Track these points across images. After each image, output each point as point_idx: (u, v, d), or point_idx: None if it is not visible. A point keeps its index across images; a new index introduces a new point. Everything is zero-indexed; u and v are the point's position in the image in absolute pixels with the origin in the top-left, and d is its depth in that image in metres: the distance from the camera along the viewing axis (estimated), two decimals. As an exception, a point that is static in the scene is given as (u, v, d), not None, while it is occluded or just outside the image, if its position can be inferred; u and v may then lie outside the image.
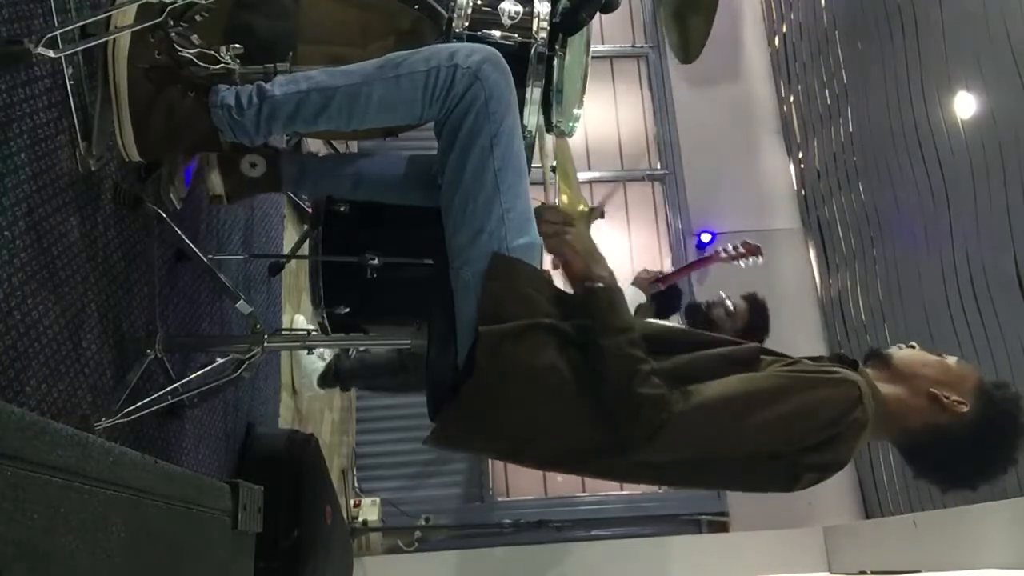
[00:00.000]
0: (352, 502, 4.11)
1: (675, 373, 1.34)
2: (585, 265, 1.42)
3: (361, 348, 3.32)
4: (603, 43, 5.42)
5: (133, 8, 1.43)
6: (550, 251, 1.48)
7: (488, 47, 1.49)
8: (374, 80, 1.47)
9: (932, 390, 1.44)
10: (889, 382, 1.46)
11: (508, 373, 1.34)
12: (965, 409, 1.43)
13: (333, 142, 3.09)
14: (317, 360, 3.42)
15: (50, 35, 1.29)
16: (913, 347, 1.53)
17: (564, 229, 1.46)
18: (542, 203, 2.07)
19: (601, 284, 1.39)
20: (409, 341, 1.95)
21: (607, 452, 1.36)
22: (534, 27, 1.76)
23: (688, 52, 4.37)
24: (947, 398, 1.43)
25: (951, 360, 1.50)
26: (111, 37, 1.42)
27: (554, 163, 3.13)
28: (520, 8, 1.77)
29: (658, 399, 1.27)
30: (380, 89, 1.47)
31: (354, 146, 3.75)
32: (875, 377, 1.47)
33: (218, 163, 1.84)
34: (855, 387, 1.35)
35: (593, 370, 1.34)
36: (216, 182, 1.84)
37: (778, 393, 1.33)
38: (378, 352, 3.38)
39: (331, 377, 3.41)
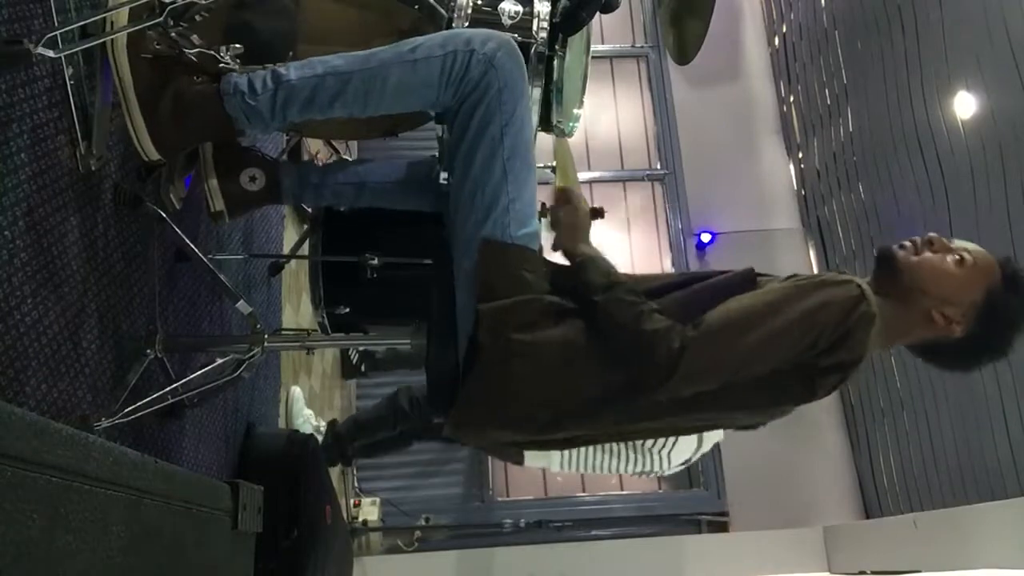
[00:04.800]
0: (352, 502, 4.11)
1: (677, 308, 1.36)
2: (574, 241, 1.50)
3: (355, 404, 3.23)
4: (603, 43, 5.41)
5: (130, 8, 1.43)
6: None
7: (504, 34, 1.48)
8: (390, 64, 1.47)
9: (932, 312, 1.44)
10: (892, 296, 1.45)
11: (512, 347, 1.36)
12: (959, 331, 1.45)
13: (333, 142, 3.09)
14: (306, 417, 3.29)
15: (50, 35, 1.28)
16: (931, 242, 1.48)
17: (556, 208, 1.56)
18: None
19: (586, 255, 1.46)
20: (409, 341, 1.95)
21: (628, 392, 1.36)
22: (534, 27, 1.76)
23: (684, 54, 4.37)
24: (944, 317, 1.44)
25: (967, 261, 1.45)
26: (111, 37, 1.42)
27: (553, 163, 3.13)
28: (520, 8, 1.77)
29: (668, 329, 1.30)
30: (397, 73, 1.46)
31: (354, 146, 3.75)
32: (878, 287, 1.45)
33: (217, 179, 1.81)
34: (855, 285, 1.36)
35: (599, 330, 1.36)
36: (216, 198, 1.81)
37: (783, 302, 1.34)
38: (367, 409, 3.31)
39: (333, 450, 3.25)
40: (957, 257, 1.46)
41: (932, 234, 1.49)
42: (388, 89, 1.47)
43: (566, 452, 2.92)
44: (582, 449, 2.93)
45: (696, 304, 1.37)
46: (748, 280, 1.45)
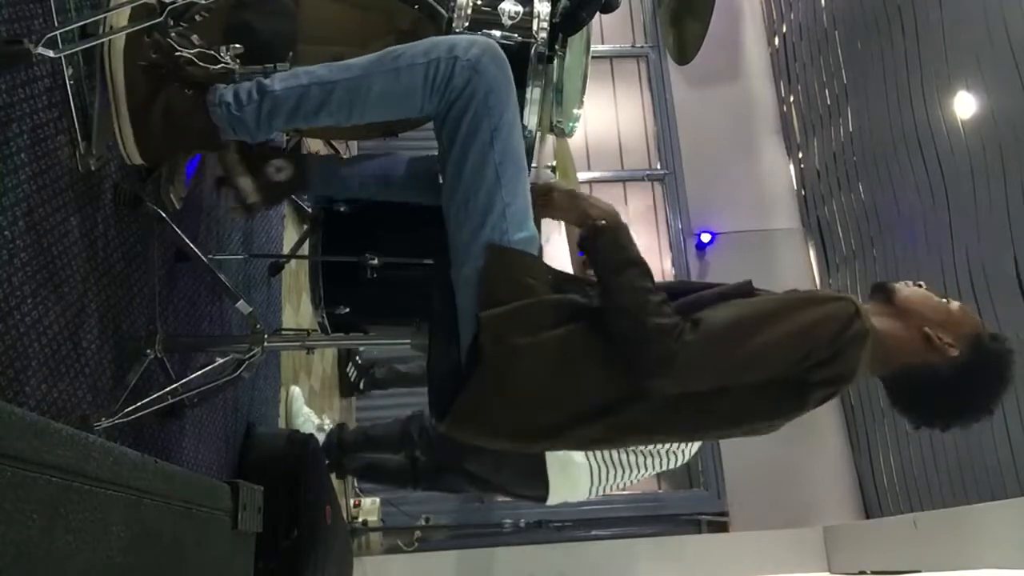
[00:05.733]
0: (352, 502, 4.11)
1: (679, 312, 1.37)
2: (581, 211, 1.48)
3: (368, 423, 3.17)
4: (603, 43, 5.41)
5: (130, 8, 1.43)
6: (546, 217, 1.56)
7: (487, 39, 1.48)
8: (374, 73, 1.47)
9: (926, 329, 1.48)
10: (888, 316, 1.50)
11: (514, 351, 1.36)
12: (955, 353, 1.47)
13: (333, 142, 3.09)
14: (306, 416, 3.26)
15: (50, 35, 1.28)
16: (920, 286, 1.55)
17: (548, 198, 1.54)
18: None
19: (604, 221, 1.44)
20: (409, 341, 1.95)
21: (624, 403, 1.38)
22: (534, 27, 1.76)
23: (684, 54, 4.38)
24: (940, 339, 1.47)
25: (955, 305, 1.53)
26: (111, 37, 1.42)
27: (554, 163, 3.13)
28: (520, 8, 1.77)
29: (671, 327, 1.32)
30: (380, 82, 1.46)
31: (354, 147, 3.75)
32: (873, 311, 1.50)
33: (248, 171, 1.78)
34: (851, 303, 1.40)
35: (604, 308, 1.37)
36: (249, 190, 1.78)
37: (781, 313, 1.37)
38: (381, 424, 3.27)
39: (332, 455, 3.20)
40: (945, 300, 1.53)
41: (921, 282, 1.57)
42: (371, 98, 1.47)
43: (593, 478, 2.92)
44: (606, 470, 2.94)
45: (698, 310, 1.39)
46: (748, 291, 1.48)
